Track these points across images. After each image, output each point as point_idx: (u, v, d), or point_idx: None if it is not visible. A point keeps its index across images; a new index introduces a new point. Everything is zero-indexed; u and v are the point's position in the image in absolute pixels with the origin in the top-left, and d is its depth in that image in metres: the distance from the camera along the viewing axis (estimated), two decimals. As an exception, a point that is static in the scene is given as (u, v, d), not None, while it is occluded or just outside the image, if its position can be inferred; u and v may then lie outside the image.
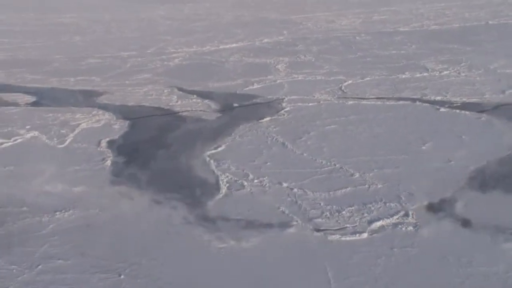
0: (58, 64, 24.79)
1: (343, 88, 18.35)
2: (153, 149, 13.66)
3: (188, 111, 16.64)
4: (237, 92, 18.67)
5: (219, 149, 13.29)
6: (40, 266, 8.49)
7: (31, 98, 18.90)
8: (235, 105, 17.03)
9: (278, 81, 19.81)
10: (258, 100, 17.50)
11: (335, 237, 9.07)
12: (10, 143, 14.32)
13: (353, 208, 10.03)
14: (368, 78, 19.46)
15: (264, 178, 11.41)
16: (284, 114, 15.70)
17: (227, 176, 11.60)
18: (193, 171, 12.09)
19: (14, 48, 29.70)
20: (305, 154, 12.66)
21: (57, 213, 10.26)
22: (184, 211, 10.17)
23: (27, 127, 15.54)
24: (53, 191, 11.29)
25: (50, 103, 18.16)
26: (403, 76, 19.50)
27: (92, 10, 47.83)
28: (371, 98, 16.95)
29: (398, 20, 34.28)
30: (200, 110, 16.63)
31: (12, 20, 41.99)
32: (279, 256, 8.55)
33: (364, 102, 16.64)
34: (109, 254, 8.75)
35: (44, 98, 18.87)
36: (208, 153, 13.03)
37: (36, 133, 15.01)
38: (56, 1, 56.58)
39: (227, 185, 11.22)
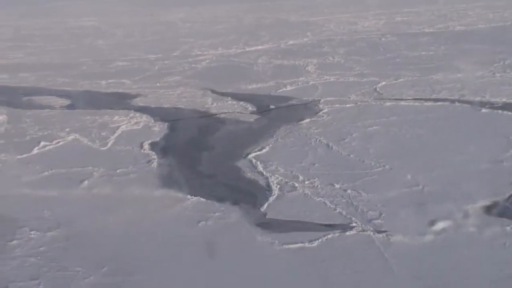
0: (86, 67, 24.92)
1: (377, 89, 18.20)
2: (196, 151, 13.65)
3: (225, 113, 16.59)
4: (271, 94, 18.63)
5: (263, 150, 13.22)
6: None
7: (65, 101, 18.99)
8: (272, 107, 16.98)
9: (311, 82, 19.74)
10: (293, 102, 17.43)
11: (398, 238, 8.94)
12: (52, 146, 14.38)
13: (410, 209, 9.91)
14: (401, 79, 19.33)
15: (315, 180, 11.33)
16: (323, 116, 15.62)
17: (277, 178, 11.53)
18: (241, 173, 12.03)
19: (38, 51, 29.93)
20: (351, 156, 12.57)
21: (112, 215, 10.19)
22: (239, 213, 10.11)
23: (67, 129, 15.59)
24: (104, 193, 11.25)
25: (85, 106, 18.22)
26: (437, 77, 19.35)
27: (110, 14, 48.12)
28: (409, 99, 16.78)
29: (421, 21, 34.10)
30: (238, 112, 16.59)
31: (31, 24, 42.37)
32: (344, 257, 8.46)
33: (402, 103, 16.49)
34: (167, 254, 8.72)
35: (78, 101, 18.94)
36: (253, 154, 12.97)
37: (76, 135, 15.05)
38: (74, 6, 56.99)
39: (278, 186, 11.15)
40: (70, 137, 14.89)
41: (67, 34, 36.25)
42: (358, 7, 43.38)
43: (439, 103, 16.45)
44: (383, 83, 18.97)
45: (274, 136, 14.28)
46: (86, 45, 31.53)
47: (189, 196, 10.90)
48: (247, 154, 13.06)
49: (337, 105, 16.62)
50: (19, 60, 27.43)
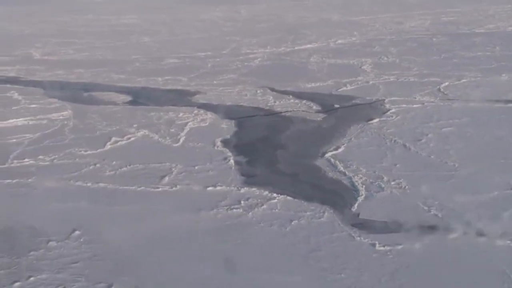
0: (138, 64, 25.07)
1: (441, 89, 17.89)
2: (270, 149, 13.58)
3: (290, 111, 16.50)
4: (332, 92, 18.47)
5: (339, 150, 13.09)
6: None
7: (126, 97, 19.11)
8: (336, 106, 16.82)
9: (371, 82, 19.52)
10: (357, 101, 17.27)
11: (504, 242, 8.73)
12: (124, 141, 14.46)
13: (510, 212, 9.66)
14: (464, 80, 19.00)
15: (401, 180, 11.16)
16: (392, 116, 15.42)
17: (361, 178, 11.40)
18: (322, 172, 11.93)
19: (87, 48, 30.20)
20: (432, 157, 12.36)
21: (202, 211, 10.19)
22: (331, 212, 10.00)
23: (135, 125, 15.66)
24: (187, 189, 11.25)
25: (147, 102, 18.32)
26: (502, 78, 18.94)
27: (148, 11, 48.38)
28: (478, 100, 16.44)
29: (469, 21, 33.51)
30: (303, 111, 16.49)
31: (74, 22, 42.81)
32: (451, 261, 8.29)
33: (471, 104, 16.17)
34: (259, 253, 8.66)
35: (139, 97, 19.06)
36: (330, 154, 12.85)
37: (146, 131, 15.11)
38: (110, 3, 57.53)
39: (364, 186, 11.01)
40: (140, 133, 14.93)
41: (111, 31, 36.52)
42: (400, 7, 42.86)
43: (510, 104, 16.06)
44: (446, 83, 18.66)
45: (346, 135, 14.14)
46: (133, 42, 31.73)
47: (275, 195, 10.82)
48: (324, 153, 12.94)
49: (404, 105, 16.38)
50: (70, 56, 27.72)
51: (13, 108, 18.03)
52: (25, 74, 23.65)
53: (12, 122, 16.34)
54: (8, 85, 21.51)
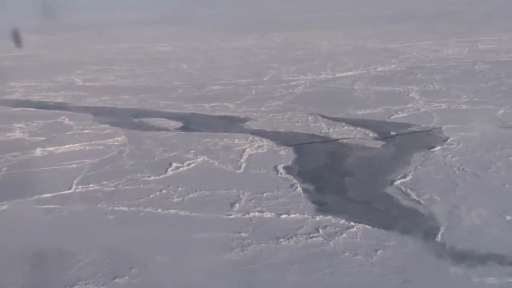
0: (182, 90, 25.26)
1: (498, 117, 17.60)
2: (336, 176, 13.39)
3: (347, 138, 16.31)
4: (385, 120, 18.27)
5: (408, 178, 12.85)
6: None
7: (177, 123, 19.17)
8: (393, 133, 16.60)
9: (422, 109, 19.32)
10: (413, 129, 17.04)
11: None
12: (185, 167, 14.40)
13: None
14: (519, 107, 18.66)
15: (480, 210, 10.83)
16: (453, 144, 15.15)
17: (438, 207, 11.11)
18: (395, 200, 11.69)
19: (128, 75, 30.63)
20: (507, 186, 12.02)
21: (281, 240, 10.01)
22: (415, 242, 9.72)
23: (192, 151, 15.63)
24: (260, 216, 11.08)
25: (199, 128, 18.34)
26: (558, 106, 18.59)
27: (180, 40, 49.15)
28: (539, 129, 16.12)
29: (509, 49, 33.26)
30: (359, 138, 16.31)
31: (110, 49, 43.61)
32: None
33: (534, 132, 15.85)
34: (350, 284, 8.41)
35: (190, 123, 19.11)
36: (398, 181, 12.60)
37: (205, 157, 15.06)
38: (141, 32, 58.64)
39: (443, 215, 10.70)
40: (199, 159, 14.87)
41: (148, 59, 37.06)
42: (434, 35, 42.84)
43: None
44: (502, 111, 18.38)
45: (411, 163, 13.89)
46: (172, 69, 32.10)
47: (352, 223, 10.59)
48: (392, 181, 12.70)
49: (463, 133, 16.12)
50: (113, 83, 28.09)
51: (66, 133, 18.20)
52: (71, 100, 23.97)
53: (68, 147, 16.43)
54: (57, 111, 21.79)
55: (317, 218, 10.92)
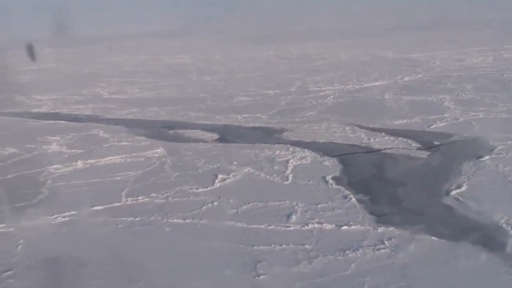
0: (210, 102, 25.18)
1: (542, 126, 17.38)
2: (388, 187, 13.21)
3: (390, 148, 16.12)
4: (425, 129, 18.08)
5: (463, 188, 12.65)
6: None
7: (213, 135, 19.07)
8: (436, 143, 16.38)
9: (460, 119, 19.14)
10: (456, 138, 16.83)
11: None
12: (231, 179, 14.24)
13: None
14: (560, 116, 18.42)
15: (548, 220, 10.59)
16: (502, 153, 14.96)
17: (501, 217, 10.90)
18: (455, 211, 11.50)
19: (151, 87, 30.60)
20: None
21: (347, 252, 9.81)
22: (487, 253, 9.50)
23: (234, 163, 15.49)
24: (320, 227, 10.89)
25: (236, 140, 18.21)
26: None
27: (197, 51, 49.18)
28: None
29: (533, 57, 33.07)
30: (403, 148, 16.11)
31: (128, 62, 43.69)
32: None
33: None
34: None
35: (226, 134, 19.00)
36: (454, 192, 12.38)
37: (249, 169, 14.89)
38: (159, 44, 58.86)
39: (509, 226, 10.46)
40: (244, 171, 14.70)
41: (169, 70, 37.10)
42: (453, 44, 42.68)
43: None
44: (543, 120, 18.12)
45: (462, 173, 13.71)
46: (194, 80, 32.07)
47: (417, 235, 10.40)
48: (447, 191, 12.52)
49: (509, 142, 15.88)
50: (138, 95, 28.06)
51: (104, 145, 18.10)
52: (101, 113, 23.92)
53: (109, 159, 16.32)
54: (89, 123, 21.74)
55: (380, 230, 10.72)
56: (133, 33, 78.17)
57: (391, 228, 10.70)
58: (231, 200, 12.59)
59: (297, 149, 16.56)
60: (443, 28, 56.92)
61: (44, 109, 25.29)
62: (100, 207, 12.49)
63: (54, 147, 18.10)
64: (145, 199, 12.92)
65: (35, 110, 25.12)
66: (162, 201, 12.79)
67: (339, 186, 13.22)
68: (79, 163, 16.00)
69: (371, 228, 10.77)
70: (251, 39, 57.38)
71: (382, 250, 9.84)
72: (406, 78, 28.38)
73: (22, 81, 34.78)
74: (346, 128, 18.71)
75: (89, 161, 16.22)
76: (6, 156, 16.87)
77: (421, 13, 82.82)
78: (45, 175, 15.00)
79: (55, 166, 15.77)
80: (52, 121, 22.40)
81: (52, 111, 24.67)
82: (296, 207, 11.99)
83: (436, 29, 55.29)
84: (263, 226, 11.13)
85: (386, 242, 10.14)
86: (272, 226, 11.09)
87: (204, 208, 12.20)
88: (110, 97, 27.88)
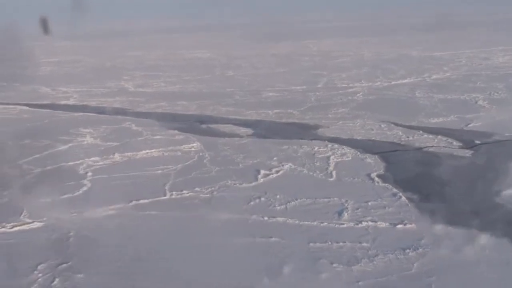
0: (238, 97, 25.03)
1: None
2: (435, 185, 13.02)
3: (431, 146, 15.89)
4: (463, 128, 17.83)
5: (514, 188, 12.35)
6: None
7: (246, 130, 18.92)
8: (477, 142, 16.14)
9: (497, 118, 18.83)
10: (497, 137, 16.56)
11: None
12: (274, 174, 14.07)
13: None
14: None
15: None
16: (549, 153, 14.63)
17: (560, 218, 10.62)
18: (511, 211, 11.20)
19: (176, 81, 30.51)
20: None
21: (407, 251, 9.62)
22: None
23: (274, 158, 15.35)
24: (374, 226, 10.72)
25: (271, 135, 18.04)
26: None
27: (215, 47, 49.18)
28: None
29: (560, 57, 32.67)
30: (444, 146, 15.87)
31: (147, 56, 43.63)
32: None
33: None
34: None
35: (260, 129, 18.85)
36: (507, 191, 12.17)
37: (290, 164, 14.72)
38: (173, 39, 58.77)
39: None
40: (286, 166, 14.53)
41: (191, 65, 37.00)
42: (475, 43, 42.40)
43: None
44: None
45: (510, 172, 13.40)
46: (218, 75, 31.95)
47: (476, 235, 10.19)
48: (498, 191, 12.35)
49: (553, 142, 15.60)
50: (164, 89, 27.98)
51: (138, 139, 17.98)
52: (129, 106, 23.86)
53: (146, 153, 16.20)
54: (119, 116, 21.64)
55: (436, 229, 10.50)
56: (145, 28, 78.25)
57: (449, 228, 10.49)
58: (278, 196, 12.42)
59: (336, 145, 16.37)
60: (462, 28, 56.51)
61: (71, 101, 25.26)
62: (146, 201, 12.38)
63: (88, 139, 18.00)
64: (190, 194, 12.79)
65: (62, 102, 25.05)
66: (208, 195, 12.66)
67: (386, 184, 13.02)
68: (117, 156, 15.88)
69: (427, 227, 10.55)
70: (266, 36, 57.23)
71: (442, 250, 9.62)
72: (434, 76, 28.11)
73: (43, 73, 34.80)
74: (382, 125, 18.49)
75: (126, 154, 16.12)
76: (42, 148, 16.78)
77: (435, 14, 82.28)
78: (85, 167, 14.91)
79: (93, 158, 15.67)
80: (81, 113, 22.34)
81: (80, 104, 24.61)
82: (346, 204, 11.81)
83: (455, 29, 54.86)
84: (315, 223, 10.95)
85: (445, 241, 9.93)
86: (325, 223, 10.90)
87: (252, 203, 12.05)
88: (135, 90, 27.80)
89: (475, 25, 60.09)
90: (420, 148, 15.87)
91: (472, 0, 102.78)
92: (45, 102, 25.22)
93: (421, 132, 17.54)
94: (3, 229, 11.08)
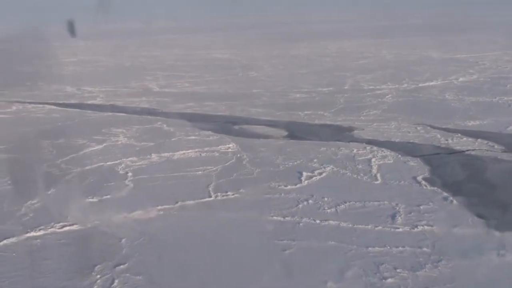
0: (265, 98, 24.88)
1: None
2: (486, 189, 12.82)
3: (473, 150, 15.64)
4: (502, 131, 17.55)
5: None
6: None
7: (281, 131, 18.77)
8: (519, 145, 15.86)
9: (539, 122, 18.52)
10: (539, 142, 16.26)
11: None
12: (317, 177, 13.89)
13: None
14: None
15: None
16: None
17: None
18: None
19: (200, 81, 30.43)
20: None
21: (469, 256, 9.39)
22: None
23: (314, 160, 15.18)
24: (430, 231, 10.49)
25: (307, 137, 17.87)
26: None
27: (233, 47, 49.06)
28: None
29: None
30: (487, 150, 15.62)
31: (165, 56, 43.62)
32: None
33: None
34: None
35: (294, 131, 18.68)
36: (561, 197, 11.86)
37: (332, 167, 14.52)
38: (192, 39, 58.74)
39: None
40: (327, 169, 14.33)
41: (212, 66, 36.94)
42: (496, 46, 42.02)
43: None
44: None
45: (560, 177, 13.13)
46: (242, 76, 31.81)
47: (537, 240, 9.90)
48: (552, 196, 11.95)
49: None
50: (190, 89, 27.88)
51: (172, 139, 17.86)
52: (157, 106, 23.76)
53: (183, 153, 16.06)
54: (149, 116, 21.53)
55: (497, 235, 10.26)
56: (160, 28, 78.36)
57: (509, 233, 10.21)
58: (325, 199, 12.24)
59: (374, 148, 16.15)
60: (481, 30, 56.14)
61: (98, 101, 25.19)
62: (191, 202, 12.23)
63: (122, 139, 17.89)
64: (235, 195, 12.61)
65: (90, 102, 24.98)
66: (254, 197, 12.44)
67: (434, 188, 12.79)
68: (154, 156, 15.75)
69: (486, 231, 10.32)
70: (282, 37, 57.15)
71: (508, 257, 9.38)
72: (461, 79, 27.83)
73: (66, 73, 34.80)
74: (418, 128, 18.27)
75: (163, 154, 15.99)
76: (77, 147, 16.69)
77: (449, 15, 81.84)
78: (124, 168, 14.77)
79: (131, 158, 15.55)
80: (110, 113, 22.23)
81: (107, 103, 24.51)
82: (397, 208, 11.59)
83: (473, 31, 54.52)
84: (369, 226, 10.74)
85: (508, 246, 9.67)
86: (380, 227, 10.69)
87: (300, 206, 11.87)
88: (161, 90, 27.72)
89: (493, 27, 59.62)
90: (462, 151, 15.63)
91: (486, 1, 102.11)
92: (72, 101, 25.15)
93: (459, 135, 17.29)
94: (52, 229, 10.94)
